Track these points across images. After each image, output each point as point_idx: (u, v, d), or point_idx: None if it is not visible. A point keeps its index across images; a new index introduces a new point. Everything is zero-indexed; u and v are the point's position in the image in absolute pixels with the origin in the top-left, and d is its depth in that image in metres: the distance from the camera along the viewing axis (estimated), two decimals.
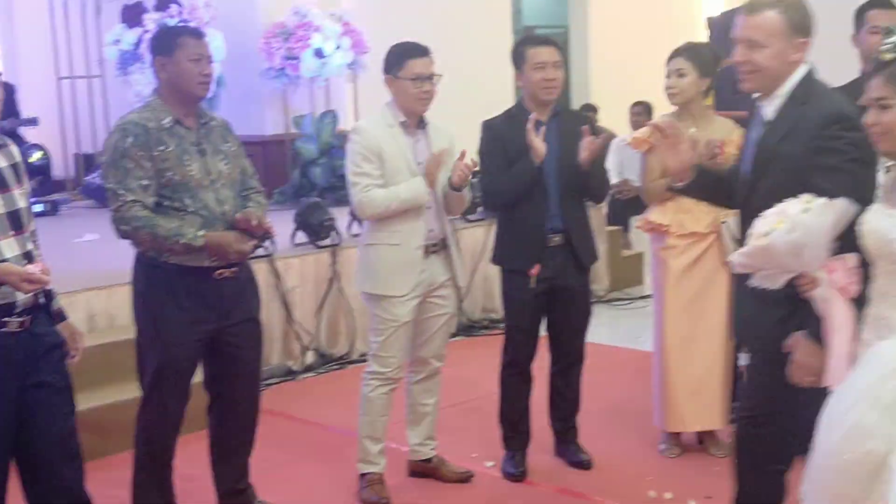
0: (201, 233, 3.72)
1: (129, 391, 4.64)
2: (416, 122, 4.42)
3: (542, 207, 4.47)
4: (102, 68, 9.03)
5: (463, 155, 4.35)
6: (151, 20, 8.06)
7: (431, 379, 4.59)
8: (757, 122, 3.23)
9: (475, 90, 8.56)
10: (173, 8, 8.13)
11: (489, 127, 4.61)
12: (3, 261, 3.11)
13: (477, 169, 4.46)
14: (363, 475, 4.48)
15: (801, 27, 3.10)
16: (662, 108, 5.04)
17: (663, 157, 3.41)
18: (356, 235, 6.53)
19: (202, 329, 3.86)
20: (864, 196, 2.85)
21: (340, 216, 6.63)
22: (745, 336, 3.48)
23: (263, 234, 3.98)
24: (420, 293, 4.37)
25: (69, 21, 9.10)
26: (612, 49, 10.61)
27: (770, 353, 3.13)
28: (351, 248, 6.51)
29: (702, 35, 9.35)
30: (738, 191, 3.29)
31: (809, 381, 2.96)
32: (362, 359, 6.42)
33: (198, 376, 4.05)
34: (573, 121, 4.65)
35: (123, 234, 3.76)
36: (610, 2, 10.81)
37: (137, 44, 8.14)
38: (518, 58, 4.58)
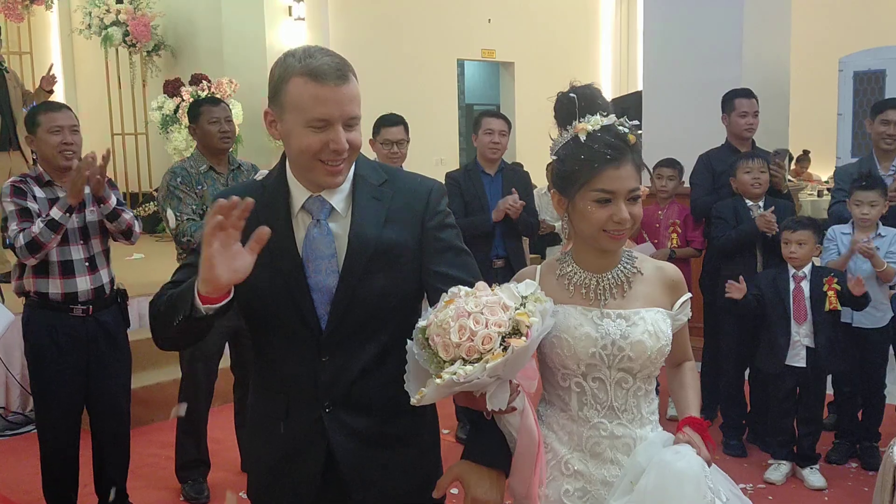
0: None
1: (170, 374, 4.66)
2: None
3: (489, 240, 4.42)
4: (147, 128, 8.97)
5: None
6: (187, 92, 8.03)
7: None
8: (320, 216, 1.76)
9: (431, 149, 8.65)
10: (203, 84, 8.11)
11: (451, 177, 4.59)
12: (70, 261, 3.27)
13: None
14: None
15: None
16: None
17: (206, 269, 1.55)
18: None
19: (230, 325, 3.80)
20: None
21: None
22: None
23: None
24: None
25: (122, 90, 9.03)
26: (532, 120, 10.73)
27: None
28: None
29: None
30: (305, 312, 1.75)
31: None
32: None
33: (226, 361, 4.05)
34: (515, 174, 4.68)
35: (186, 244, 3.75)
36: (530, 83, 10.94)
37: (176, 110, 8.10)
38: (475, 125, 4.57)
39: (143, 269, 6.34)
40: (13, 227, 3.18)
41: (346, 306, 1.76)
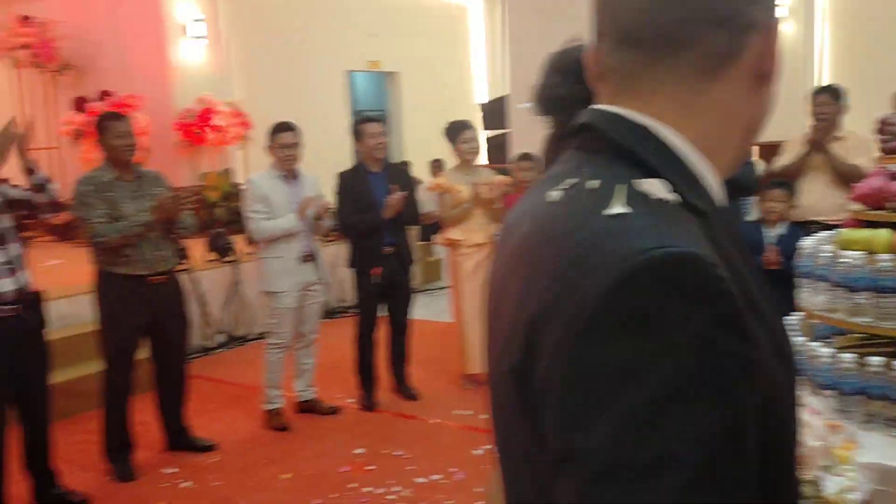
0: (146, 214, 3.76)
1: (91, 368, 4.48)
2: (291, 174, 4.39)
3: (380, 229, 4.52)
4: (60, 141, 8.56)
5: (319, 198, 4.38)
6: (92, 108, 7.70)
7: (309, 346, 4.58)
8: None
9: (326, 154, 8.55)
10: (108, 99, 7.80)
11: (342, 176, 4.59)
12: None
13: (331, 207, 4.52)
14: (269, 411, 4.45)
15: None
16: (450, 163, 5.22)
17: None
18: (250, 254, 6.46)
19: (140, 321, 3.80)
20: None
21: (239, 241, 6.50)
22: None
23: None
24: (299, 289, 4.36)
25: (34, 106, 8.59)
26: (416, 123, 10.79)
27: None
28: (246, 263, 6.45)
29: (475, 115, 9.65)
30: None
31: None
32: (258, 337, 6.34)
33: (145, 353, 3.96)
34: (398, 171, 4.74)
35: (101, 245, 3.68)
36: (415, 92, 10.98)
37: (85, 124, 7.78)
38: (357, 133, 4.56)
39: (61, 273, 6.10)
40: None
41: None
